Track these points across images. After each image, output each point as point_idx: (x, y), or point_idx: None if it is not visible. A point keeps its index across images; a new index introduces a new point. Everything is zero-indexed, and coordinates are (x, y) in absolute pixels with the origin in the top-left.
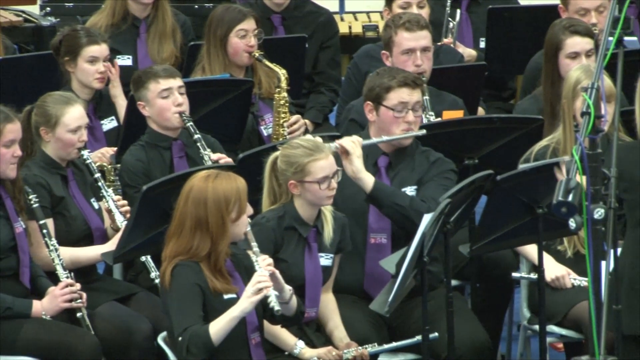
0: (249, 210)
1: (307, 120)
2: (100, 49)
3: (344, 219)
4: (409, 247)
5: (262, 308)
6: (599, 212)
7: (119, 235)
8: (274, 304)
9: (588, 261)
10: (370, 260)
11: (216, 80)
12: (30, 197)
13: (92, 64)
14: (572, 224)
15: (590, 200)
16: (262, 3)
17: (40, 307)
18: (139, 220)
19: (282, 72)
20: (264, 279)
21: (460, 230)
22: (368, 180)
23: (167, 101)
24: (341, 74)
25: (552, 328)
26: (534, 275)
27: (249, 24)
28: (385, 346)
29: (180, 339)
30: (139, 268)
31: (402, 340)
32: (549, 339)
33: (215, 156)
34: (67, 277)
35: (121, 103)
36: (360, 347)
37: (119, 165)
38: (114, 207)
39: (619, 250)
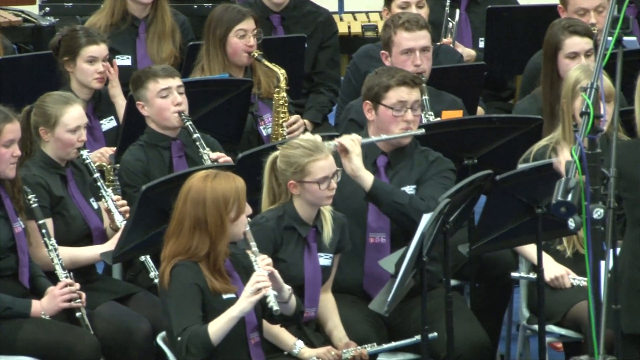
0: (248, 210)
1: (306, 120)
2: (100, 49)
3: (343, 219)
4: (408, 247)
5: (262, 308)
6: (598, 212)
7: (118, 235)
8: (273, 304)
9: (587, 261)
10: (370, 259)
11: (215, 80)
12: (30, 197)
13: (91, 64)
14: (571, 223)
15: (590, 200)
16: (262, 3)
17: (40, 307)
18: (138, 220)
19: (281, 72)
20: (262, 279)
21: (460, 230)
22: (367, 178)
23: (166, 101)
24: (340, 73)
25: (551, 328)
26: (533, 275)
27: (248, 24)
28: (385, 346)
29: (179, 339)
30: (138, 268)
31: (401, 340)
32: (548, 339)
33: (214, 155)
34: (67, 277)
35: (120, 103)
36: (359, 347)
37: (118, 165)
38: (113, 207)
39: (618, 250)
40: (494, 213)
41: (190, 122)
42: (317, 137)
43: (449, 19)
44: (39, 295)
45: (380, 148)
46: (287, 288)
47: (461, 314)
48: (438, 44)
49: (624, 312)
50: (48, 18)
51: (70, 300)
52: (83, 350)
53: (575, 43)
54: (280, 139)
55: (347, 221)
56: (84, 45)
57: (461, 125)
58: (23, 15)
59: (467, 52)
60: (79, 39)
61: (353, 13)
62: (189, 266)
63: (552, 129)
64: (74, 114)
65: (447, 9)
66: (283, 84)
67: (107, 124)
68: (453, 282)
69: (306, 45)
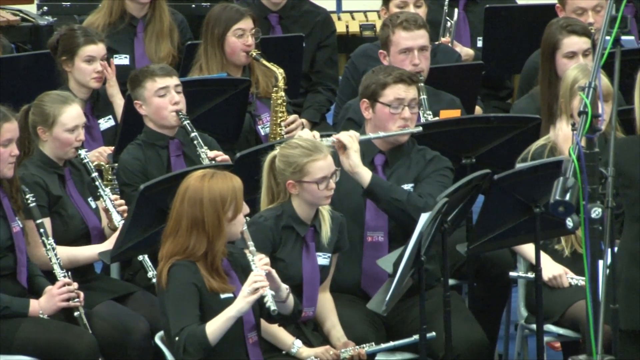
0: (245, 209)
1: (304, 120)
2: (98, 49)
3: (341, 219)
4: (407, 246)
5: (259, 307)
6: (596, 212)
7: (116, 234)
8: (270, 303)
9: (585, 260)
10: (367, 258)
11: (213, 80)
12: (28, 196)
13: (89, 64)
14: (569, 223)
15: (588, 199)
16: (260, 2)
17: (38, 306)
18: (137, 220)
19: (279, 72)
20: (260, 278)
21: (458, 230)
22: (365, 175)
23: (163, 100)
24: (338, 73)
25: (549, 327)
26: (531, 275)
27: (247, 23)
28: (383, 345)
29: (177, 338)
30: (136, 267)
31: (400, 339)
32: (546, 338)
33: (212, 153)
34: (65, 276)
35: (118, 102)
36: (357, 347)
37: (116, 164)
38: (112, 207)
39: (617, 249)
40: (492, 212)
41: (188, 121)
42: (316, 134)
43: (447, 18)
44: (37, 294)
45: (377, 147)
46: (284, 287)
47: (459, 314)
48: (436, 43)
49: (622, 309)
50: (46, 17)
51: (68, 300)
52: (81, 349)
53: (573, 42)
54: (278, 138)
55: (345, 221)
56: (82, 44)
57: (459, 125)
58: (21, 14)
59: (465, 52)
60: (77, 38)
61: (351, 12)
62: (187, 266)
63: (550, 129)
64: (72, 114)
65: (445, 8)
66: (281, 84)
67: (105, 123)
68: (451, 282)
69: (304, 45)
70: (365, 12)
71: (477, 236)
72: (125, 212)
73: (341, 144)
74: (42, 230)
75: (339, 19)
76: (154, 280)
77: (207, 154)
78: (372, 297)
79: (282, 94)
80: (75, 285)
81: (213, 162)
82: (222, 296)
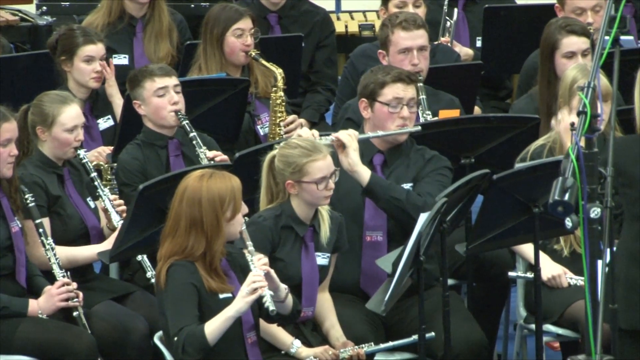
0: (244, 209)
1: (303, 120)
2: (97, 49)
3: (340, 218)
4: (405, 246)
5: (258, 307)
6: (595, 211)
7: (115, 234)
8: (269, 303)
9: (584, 260)
10: (366, 258)
11: (212, 80)
12: (27, 196)
13: (89, 64)
14: (568, 223)
15: (587, 199)
16: (259, 2)
17: (37, 306)
18: (136, 220)
19: (278, 72)
20: (258, 278)
21: (457, 230)
22: (364, 173)
23: (162, 100)
24: (337, 73)
25: (548, 327)
26: (530, 275)
27: (246, 23)
28: (382, 345)
29: (175, 339)
30: (135, 267)
31: (399, 339)
32: (545, 338)
33: (211, 153)
34: (64, 276)
35: (117, 102)
36: (356, 347)
37: (115, 164)
38: (110, 207)
39: (616, 249)
40: (491, 212)
41: (187, 121)
42: (315, 133)
43: (446, 18)
44: (36, 294)
45: (376, 146)
46: (283, 287)
47: (458, 314)
48: (435, 43)
49: (622, 310)
50: (45, 17)
51: (67, 300)
52: (80, 349)
53: (573, 42)
54: (277, 138)
55: (344, 220)
56: (81, 44)
57: (458, 125)
58: (20, 14)
59: (465, 52)
60: (76, 38)
61: (350, 12)
62: (185, 266)
63: (549, 129)
64: (71, 114)
65: (444, 8)
66: (280, 84)
67: (104, 123)
68: (450, 282)
69: (303, 45)
70: (364, 12)
71: (476, 236)
72: (124, 212)
73: (340, 142)
74: (41, 230)
75: (338, 19)
76: (153, 280)
77: (206, 154)
78: (371, 297)
79: (281, 94)
80: (74, 285)
81: (212, 162)
82: (221, 296)
